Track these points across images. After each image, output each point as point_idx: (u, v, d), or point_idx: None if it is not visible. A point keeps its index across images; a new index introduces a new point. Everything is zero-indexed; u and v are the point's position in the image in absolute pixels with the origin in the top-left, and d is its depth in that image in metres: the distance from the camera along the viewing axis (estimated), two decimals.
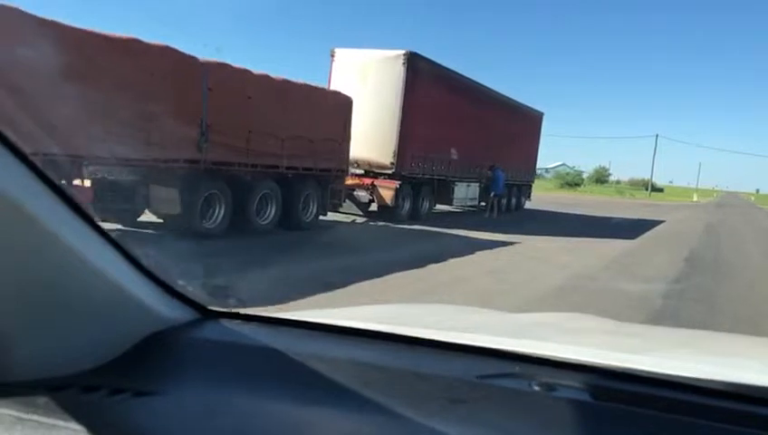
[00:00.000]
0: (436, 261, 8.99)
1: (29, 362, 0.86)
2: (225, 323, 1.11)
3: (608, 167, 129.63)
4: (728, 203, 60.74)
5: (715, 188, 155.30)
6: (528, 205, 24.64)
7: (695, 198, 67.29)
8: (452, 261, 9.29)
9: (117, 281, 0.92)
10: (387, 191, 14.14)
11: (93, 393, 0.84)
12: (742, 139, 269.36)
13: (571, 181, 72.02)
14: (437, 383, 0.92)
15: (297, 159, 10.88)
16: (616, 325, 1.77)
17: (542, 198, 39.21)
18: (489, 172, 19.15)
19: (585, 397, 0.87)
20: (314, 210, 11.59)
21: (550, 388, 0.89)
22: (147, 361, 0.95)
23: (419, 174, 15.31)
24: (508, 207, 22.02)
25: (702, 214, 33.46)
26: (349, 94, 13.19)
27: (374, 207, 14.54)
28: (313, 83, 11.66)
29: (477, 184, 19.33)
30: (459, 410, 0.86)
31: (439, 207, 18.24)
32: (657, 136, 78.91)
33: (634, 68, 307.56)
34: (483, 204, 19.52)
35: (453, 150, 16.82)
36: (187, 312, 1.07)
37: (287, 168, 10.74)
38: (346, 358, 0.99)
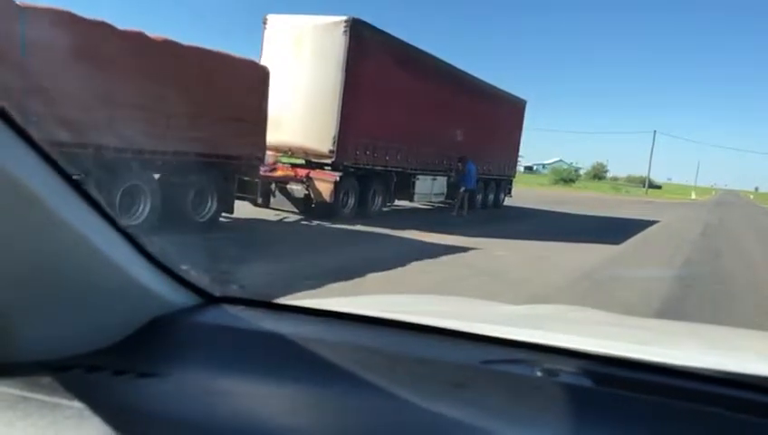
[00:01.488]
0: (346, 277, 6.72)
1: (34, 343, 0.86)
2: (228, 308, 1.10)
3: (605, 163, 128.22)
4: (727, 201, 58.92)
5: (714, 186, 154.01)
6: (509, 202, 22.35)
7: (693, 196, 65.81)
8: (369, 277, 7.00)
9: (121, 264, 0.92)
10: (324, 185, 11.84)
11: (97, 374, 0.85)
12: (741, 136, 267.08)
13: (566, 177, 70.23)
14: (440, 368, 0.92)
15: (187, 143, 8.56)
16: (618, 318, 1.83)
17: (532, 194, 37.46)
18: (459, 165, 16.84)
19: (587, 383, 0.88)
20: (213, 207, 9.28)
21: (552, 374, 0.90)
22: (150, 344, 0.95)
23: (368, 165, 12.99)
24: (484, 204, 19.75)
25: (700, 213, 31.22)
26: (279, 66, 10.91)
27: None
28: (222, 51, 9.31)
29: (445, 177, 17.03)
30: (462, 393, 0.87)
31: (402, 203, 15.99)
32: (654, 132, 76.47)
33: (635, 63, 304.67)
34: (453, 200, 17.21)
35: (412, 139, 14.50)
36: (190, 296, 1.07)
37: (173, 153, 8.43)
38: (348, 343, 0.99)
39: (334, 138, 11.84)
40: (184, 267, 1.07)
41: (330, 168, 12.10)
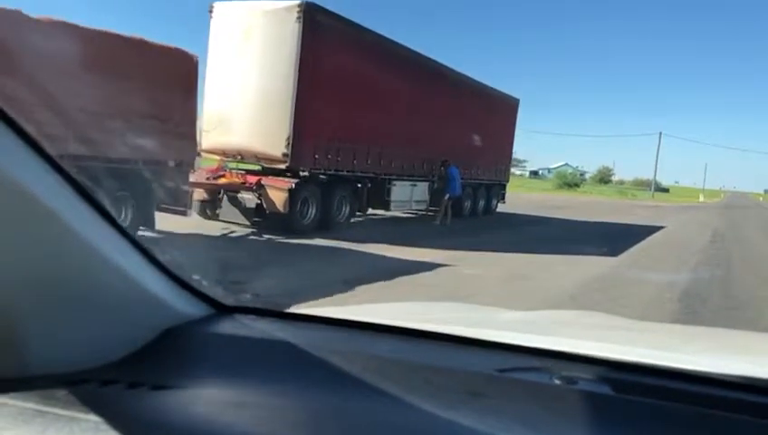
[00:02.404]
0: None
1: (48, 357, 0.86)
2: (240, 318, 1.10)
3: (612, 167, 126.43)
4: (736, 204, 57.19)
5: (722, 189, 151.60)
6: (503, 208, 20.84)
7: (701, 199, 64.29)
8: None
9: (133, 276, 0.92)
10: (278, 193, 10.37)
11: (111, 387, 0.85)
12: (750, 137, 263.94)
13: (571, 182, 68.66)
14: (456, 377, 0.92)
15: (89, 145, 7.13)
16: (632, 323, 1.81)
17: (532, 199, 35.98)
18: (441, 169, 15.36)
19: (606, 390, 0.87)
20: (126, 221, 7.84)
21: (571, 381, 0.88)
22: (163, 355, 0.95)
23: (330, 169, 11.53)
24: (473, 211, 18.25)
25: (708, 217, 29.57)
26: (227, 60, 9.60)
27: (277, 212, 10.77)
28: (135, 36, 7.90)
29: (427, 183, 15.56)
30: (477, 402, 0.86)
31: (382, 212, 14.53)
32: (660, 134, 74.23)
33: (643, 64, 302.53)
34: (437, 208, 15.70)
35: (386, 140, 13.04)
36: (202, 307, 1.07)
37: (73, 157, 7.00)
38: (362, 352, 0.99)
39: (288, 139, 10.39)
40: (196, 278, 1.06)
41: (283, 173, 10.65)
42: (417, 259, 9.13)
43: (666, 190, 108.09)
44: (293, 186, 10.39)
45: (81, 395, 0.81)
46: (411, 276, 7.74)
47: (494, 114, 18.79)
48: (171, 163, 8.42)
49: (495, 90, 19.34)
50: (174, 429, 0.78)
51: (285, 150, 10.40)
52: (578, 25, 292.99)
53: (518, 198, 33.76)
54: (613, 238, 14.79)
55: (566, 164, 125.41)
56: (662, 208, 37.36)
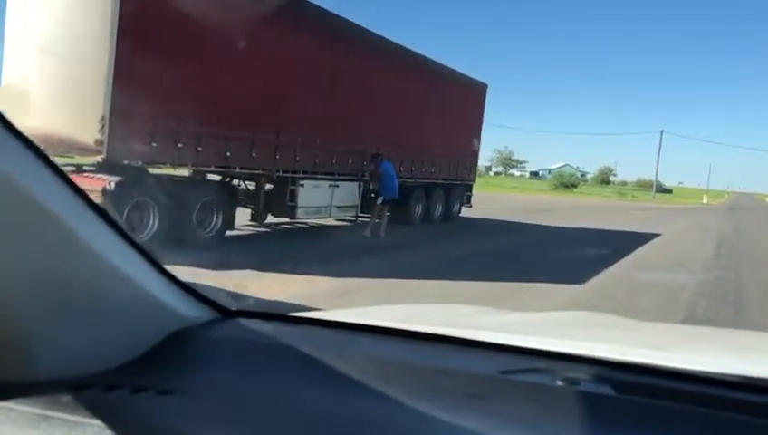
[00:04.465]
0: None
1: (53, 362, 0.86)
2: (244, 322, 1.10)
3: (613, 167, 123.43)
4: (741, 206, 54.07)
5: (727, 190, 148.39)
6: (475, 212, 17.61)
7: (704, 200, 61.40)
8: None
9: (137, 281, 0.92)
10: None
11: (116, 391, 0.85)
12: (755, 136, 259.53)
13: (568, 182, 65.68)
14: (457, 379, 0.92)
15: None
16: (634, 323, 1.78)
17: (520, 201, 32.95)
18: (372, 166, 12.15)
19: (608, 391, 0.87)
20: None
21: (573, 382, 0.89)
22: (168, 360, 0.96)
23: (184, 162, 8.34)
24: (427, 217, 15.04)
25: (711, 221, 26.25)
26: (24, 14, 6.46)
27: None
28: None
29: (356, 183, 12.36)
30: (479, 404, 0.86)
31: (314, 222, 11.35)
32: (661, 132, 70.63)
33: (645, 61, 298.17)
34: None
35: (287, 125, 9.84)
36: (206, 311, 1.08)
37: None
38: (364, 355, 1.00)
39: (103, 120, 7.20)
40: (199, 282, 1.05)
41: (98, 169, 7.46)
42: (276, 297, 5.98)
43: (669, 191, 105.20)
44: (111, 186, 7.18)
45: (86, 400, 0.82)
46: None
47: (453, 101, 15.54)
48: None
49: (456, 72, 16.12)
50: (179, 433, 0.79)
51: (99, 136, 7.21)
52: (579, 23, 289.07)
53: (501, 200, 30.98)
54: (590, 252, 11.60)
55: (567, 164, 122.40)
56: (661, 211, 34.17)
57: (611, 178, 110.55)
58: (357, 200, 12.42)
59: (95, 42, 7.17)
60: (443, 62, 15.89)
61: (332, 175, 11.46)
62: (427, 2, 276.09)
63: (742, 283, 9.62)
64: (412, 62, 13.70)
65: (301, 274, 7.37)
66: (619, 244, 13.37)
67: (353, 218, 12.73)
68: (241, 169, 9.35)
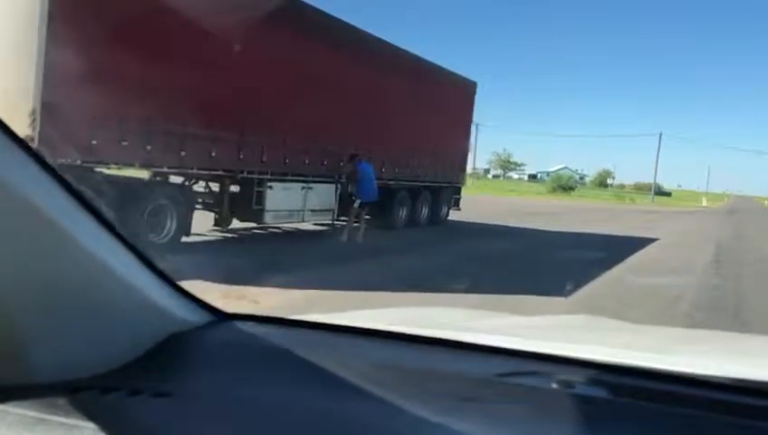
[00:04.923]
0: None
1: (49, 364, 0.86)
2: (240, 324, 1.11)
3: (612, 170, 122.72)
4: (741, 209, 53.36)
5: (726, 192, 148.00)
6: (466, 217, 16.90)
7: (704, 203, 61.08)
8: None
9: (134, 284, 0.93)
10: None
11: (113, 394, 0.85)
12: (755, 138, 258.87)
13: (566, 185, 65.09)
14: (453, 382, 0.92)
15: None
16: (631, 326, 1.77)
17: (513, 204, 32.35)
18: (350, 166, 11.42)
19: (604, 394, 0.87)
20: None
21: (568, 385, 0.88)
22: (164, 362, 0.95)
23: (131, 162, 7.58)
24: (412, 221, 14.32)
25: (710, 225, 25.56)
26: None
27: None
28: None
29: (333, 185, 11.64)
30: (474, 407, 0.85)
31: (292, 226, 10.62)
32: (660, 134, 70.04)
33: (644, 63, 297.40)
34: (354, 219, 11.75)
35: (253, 122, 9.12)
36: (202, 314, 1.07)
37: None
38: (359, 358, 1.00)
39: (33, 114, 6.47)
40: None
41: None
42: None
43: (668, 194, 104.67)
44: None
45: (83, 402, 0.82)
46: None
47: (440, 99, 14.82)
48: None
49: (444, 68, 15.42)
50: None
51: (29, 131, 6.47)
52: (577, 24, 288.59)
53: (495, 204, 30.32)
54: (580, 259, 10.89)
55: (565, 167, 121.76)
56: (660, 214, 33.51)
57: (610, 182, 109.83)
58: (334, 204, 11.68)
59: (22, 24, 6.44)
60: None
61: (305, 176, 10.73)
62: (426, 2, 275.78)
63: (742, 294, 8.92)
64: (395, 57, 13.00)
65: (255, 285, 6.64)
66: (611, 250, 12.65)
67: (330, 223, 11.99)
68: (199, 169, 8.62)
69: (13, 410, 0.79)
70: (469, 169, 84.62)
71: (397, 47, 13.30)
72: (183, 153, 8.09)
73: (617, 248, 12.96)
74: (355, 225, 11.36)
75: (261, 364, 0.97)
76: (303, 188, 10.73)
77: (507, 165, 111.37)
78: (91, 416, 0.78)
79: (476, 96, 16.96)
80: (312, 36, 10.17)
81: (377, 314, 1.56)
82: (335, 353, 1.00)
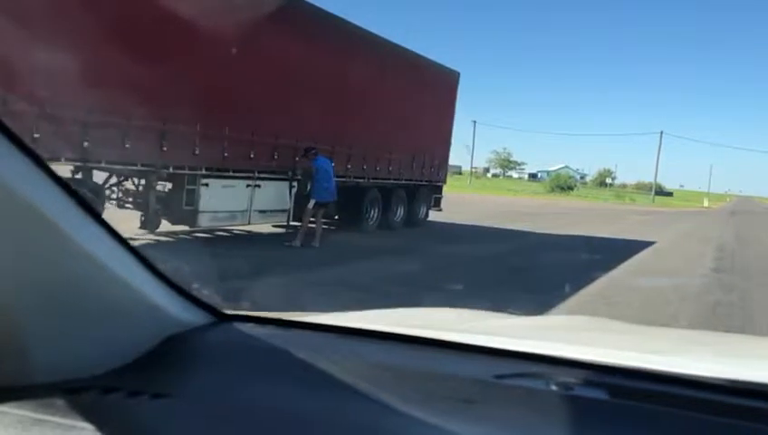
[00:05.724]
0: None
1: (47, 365, 0.86)
2: (240, 325, 1.10)
3: (613, 169, 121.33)
4: (743, 210, 52.13)
5: (728, 193, 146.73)
6: (440, 217, 15.63)
7: (705, 204, 59.87)
8: None
9: (132, 285, 0.93)
10: None
11: (111, 395, 0.85)
12: (760, 138, 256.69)
13: (564, 185, 63.95)
14: (450, 383, 0.92)
15: None
16: (629, 327, 1.77)
17: (512, 204, 31.61)
18: (306, 162, 10.12)
19: (602, 395, 0.87)
20: None
21: (567, 387, 0.88)
22: (163, 363, 0.96)
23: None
24: (385, 223, 13.05)
25: (712, 227, 24.25)
26: None
27: None
28: None
29: (287, 183, 10.34)
30: (472, 409, 0.86)
31: (248, 229, 9.34)
32: (661, 133, 68.56)
33: (646, 61, 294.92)
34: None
35: (178, 109, 7.82)
36: (201, 315, 1.07)
37: None
38: (359, 359, 1.01)
39: None
40: (195, 286, 1.06)
41: None
42: None
43: (669, 194, 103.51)
44: None
45: (81, 403, 0.82)
46: None
47: (417, 89, 13.54)
48: None
49: (422, 57, 14.15)
50: None
51: None
52: (576, 21, 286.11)
53: (487, 204, 29.16)
54: (567, 267, 9.62)
55: (566, 166, 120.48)
56: (660, 215, 32.28)
57: (611, 181, 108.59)
58: (288, 204, 10.39)
59: None
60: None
61: (251, 172, 9.45)
62: (425, 1, 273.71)
63: (748, 311, 7.64)
64: (365, 42, 11.73)
65: None
66: (603, 255, 11.36)
67: (286, 225, 10.69)
68: (109, 163, 7.33)
69: (11, 410, 0.79)
70: (467, 167, 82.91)
71: (370, 32, 12.04)
72: (86, 145, 6.79)
73: (613, 251, 11.67)
74: (311, 228, 10.08)
75: (260, 365, 0.96)
76: (249, 185, 9.45)
77: (507, 164, 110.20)
78: (89, 417, 0.79)
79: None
80: (263, 13, 8.88)
81: (376, 315, 1.53)
82: (334, 354, 0.99)
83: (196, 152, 8.29)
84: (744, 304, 8.11)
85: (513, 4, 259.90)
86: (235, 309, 1.12)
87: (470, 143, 76.60)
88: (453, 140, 16.30)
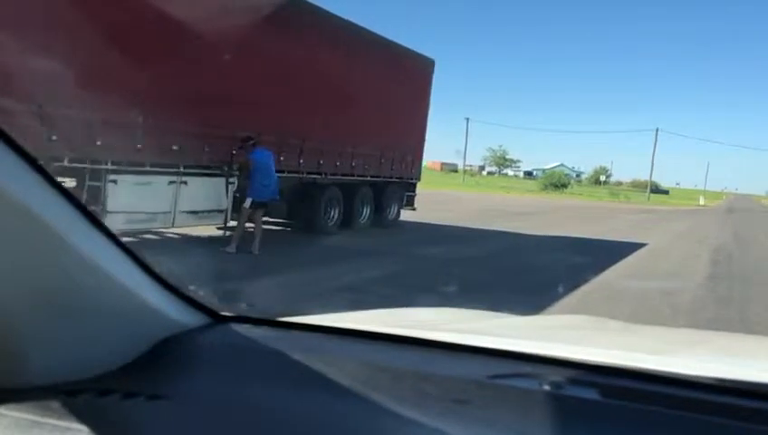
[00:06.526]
0: None
1: (44, 367, 0.86)
2: (236, 327, 1.10)
3: (609, 167, 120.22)
4: (740, 208, 51.21)
5: (724, 191, 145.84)
6: (416, 217, 14.36)
7: (701, 202, 58.83)
8: None
9: (129, 286, 0.92)
10: None
11: (107, 397, 0.85)
12: (757, 136, 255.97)
13: (558, 183, 62.63)
14: (445, 384, 0.92)
15: None
16: (624, 326, 1.77)
17: (502, 202, 30.97)
18: (243, 154, 8.82)
19: (595, 395, 0.86)
20: None
21: (560, 387, 0.88)
22: (159, 365, 0.95)
23: None
24: (347, 223, 11.79)
25: (708, 227, 23.06)
26: None
27: None
28: None
29: (223, 179, 9.04)
30: (465, 409, 0.86)
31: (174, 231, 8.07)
32: (656, 130, 67.45)
33: (642, 58, 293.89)
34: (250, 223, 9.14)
35: (72, 90, 6.52)
36: (197, 316, 1.06)
37: None
38: (354, 360, 1.00)
39: None
40: (191, 287, 1.06)
41: None
42: None
43: (665, 192, 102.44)
44: None
45: (78, 405, 0.82)
46: None
47: (386, 77, 12.25)
48: None
49: (393, 42, 12.89)
50: None
51: None
52: (573, 19, 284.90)
53: (474, 202, 28.01)
54: (548, 273, 8.38)
55: (561, 164, 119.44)
56: (654, 214, 31.11)
57: (607, 179, 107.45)
58: (225, 203, 9.09)
59: None
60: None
61: (176, 167, 8.15)
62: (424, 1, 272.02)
63: (749, 328, 6.41)
64: (322, 20, 10.44)
65: None
66: (590, 259, 10.12)
67: (223, 227, 9.39)
68: None
69: (8, 413, 0.80)
70: (461, 165, 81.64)
71: (331, 13, 10.75)
72: None
73: (602, 254, 10.41)
74: (248, 231, 8.79)
75: (256, 366, 0.96)
76: (173, 182, 8.14)
77: (503, 162, 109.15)
78: (86, 419, 0.79)
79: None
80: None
81: (370, 316, 1.53)
82: (330, 356, 0.99)
83: (99, 143, 6.99)
84: (744, 316, 6.92)
85: (510, 1, 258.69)
86: (231, 310, 1.11)
87: (461, 148, 75.52)
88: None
